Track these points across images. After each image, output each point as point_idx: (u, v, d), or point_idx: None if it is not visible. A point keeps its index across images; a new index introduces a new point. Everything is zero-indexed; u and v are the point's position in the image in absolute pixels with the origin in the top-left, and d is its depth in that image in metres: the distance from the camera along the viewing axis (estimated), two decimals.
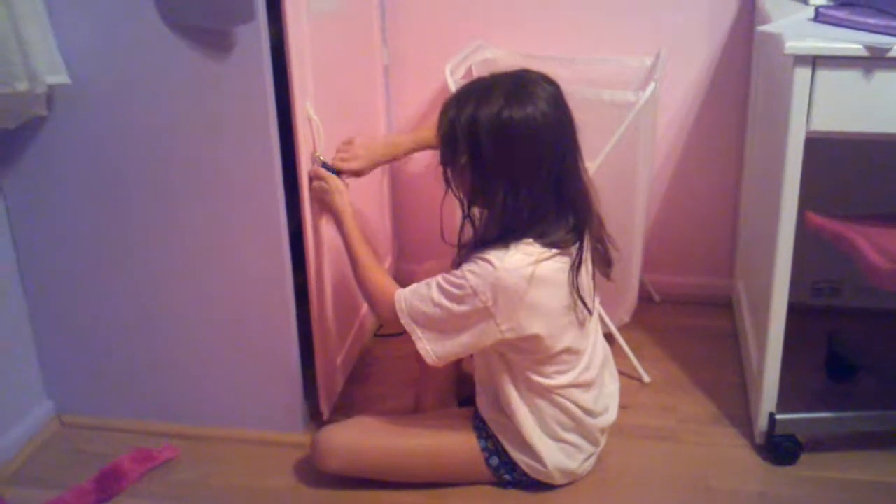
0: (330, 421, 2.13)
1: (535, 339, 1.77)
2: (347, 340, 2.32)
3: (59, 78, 1.86)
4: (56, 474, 2.06)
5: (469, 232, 1.84)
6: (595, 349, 1.94)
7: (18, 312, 2.12)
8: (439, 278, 1.78)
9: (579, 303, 1.80)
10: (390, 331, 1.87)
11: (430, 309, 1.78)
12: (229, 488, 2.01)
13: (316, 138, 1.95)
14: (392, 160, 2.15)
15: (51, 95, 1.91)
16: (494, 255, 1.72)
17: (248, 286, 2.01)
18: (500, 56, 2.52)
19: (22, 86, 1.78)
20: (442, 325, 1.78)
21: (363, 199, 2.36)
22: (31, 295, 2.12)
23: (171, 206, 1.98)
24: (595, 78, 2.49)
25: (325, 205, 1.98)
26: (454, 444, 1.94)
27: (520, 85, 1.71)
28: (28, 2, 1.78)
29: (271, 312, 2.03)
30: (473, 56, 2.43)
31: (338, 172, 1.98)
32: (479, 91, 1.73)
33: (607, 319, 2.34)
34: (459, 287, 1.74)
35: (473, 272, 1.73)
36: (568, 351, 1.84)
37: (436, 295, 1.77)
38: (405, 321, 1.81)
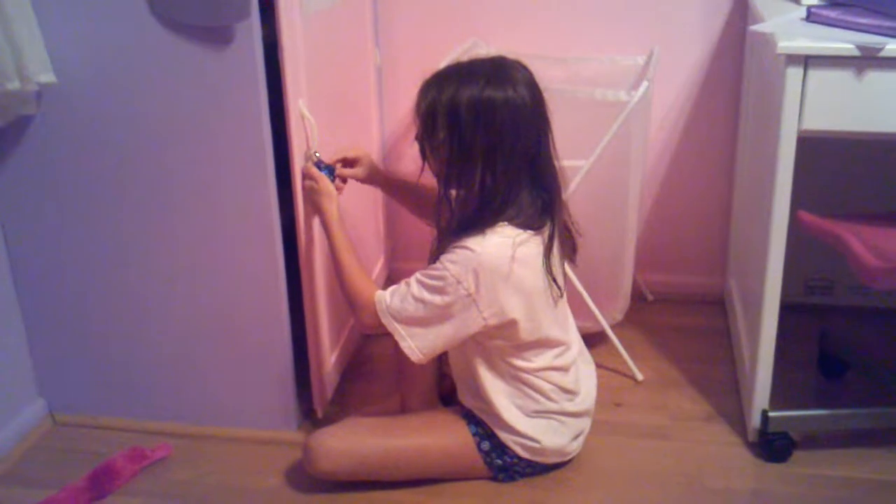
0: (324, 419, 2.13)
1: (514, 325, 1.81)
2: (341, 338, 2.32)
3: (47, 77, 1.85)
4: (49, 473, 2.06)
5: (445, 214, 1.87)
6: (569, 336, 1.97)
7: (10, 311, 2.12)
8: (417, 275, 1.82)
9: (552, 283, 1.84)
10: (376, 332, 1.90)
11: (412, 305, 1.80)
12: (223, 487, 2.01)
13: (310, 137, 1.95)
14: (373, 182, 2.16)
15: (41, 93, 1.90)
16: (472, 242, 1.76)
17: (241, 284, 2.01)
18: (492, 54, 2.52)
19: (13, 84, 1.78)
20: (425, 320, 1.80)
21: (356, 199, 2.36)
22: (23, 293, 2.12)
23: (163, 204, 1.97)
24: (588, 77, 2.49)
25: (313, 205, 1.98)
26: (446, 433, 1.96)
27: (499, 68, 1.78)
28: (16, 1, 1.78)
29: (264, 310, 2.03)
30: (466, 55, 2.42)
31: (333, 172, 1.98)
32: (459, 73, 1.79)
33: (600, 318, 2.34)
34: (440, 278, 1.77)
35: (453, 261, 1.76)
36: (546, 342, 1.88)
37: (416, 290, 1.80)
38: (387, 321, 1.83)
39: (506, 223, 1.78)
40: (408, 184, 2.14)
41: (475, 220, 1.79)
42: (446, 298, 1.77)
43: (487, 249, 1.75)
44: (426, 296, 1.79)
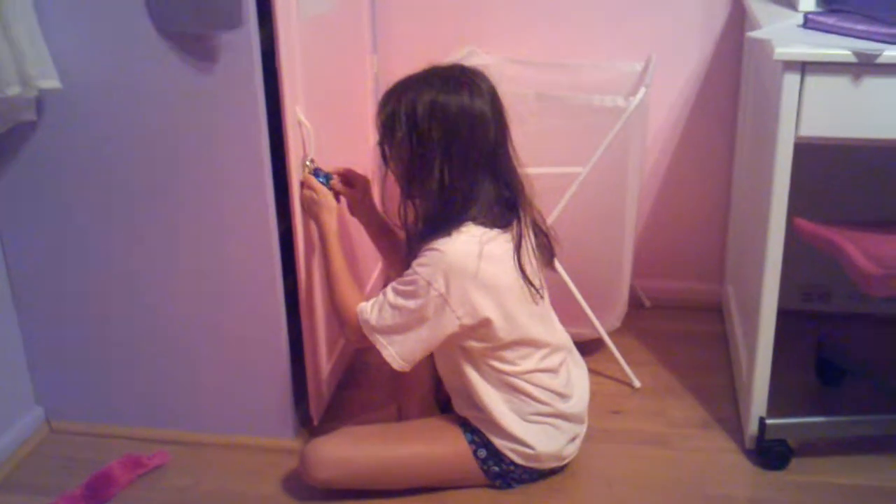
0: (321, 427, 2.13)
1: (489, 324, 1.82)
2: (338, 346, 2.32)
3: (51, 83, 1.85)
4: (46, 481, 2.05)
5: (411, 215, 1.90)
6: (555, 337, 1.98)
7: (8, 318, 2.11)
8: (393, 283, 1.85)
9: (526, 283, 1.86)
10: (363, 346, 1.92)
11: (389, 313, 1.83)
12: (219, 494, 2.01)
13: (306, 143, 1.95)
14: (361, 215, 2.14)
15: (40, 100, 1.90)
16: (440, 243, 1.79)
17: (239, 291, 2.01)
18: (491, 63, 2.52)
19: (13, 90, 1.78)
20: (401, 326, 1.83)
21: None
22: (21, 301, 2.12)
23: (161, 210, 1.97)
24: (585, 83, 2.50)
25: (311, 217, 1.98)
26: (442, 442, 1.96)
27: (455, 75, 1.83)
28: (18, 6, 1.77)
29: (262, 318, 2.03)
30: (463, 63, 2.43)
31: (329, 179, 1.99)
32: (418, 80, 1.83)
33: (597, 324, 2.34)
34: (412, 283, 1.80)
35: (422, 264, 1.80)
36: (528, 342, 1.89)
37: (391, 298, 1.83)
38: (367, 331, 1.86)
39: (470, 223, 1.81)
40: (390, 229, 2.15)
41: (440, 221, 1.82)
42: (419, 301, 1.79)
43: (454, 248, 1.78)
44: (400, 302, 1.82)
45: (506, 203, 1.85)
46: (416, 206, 1.88)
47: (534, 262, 1.91)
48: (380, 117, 1.85)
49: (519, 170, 1.88)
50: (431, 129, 1.78)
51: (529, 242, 1.90)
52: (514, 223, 1.86)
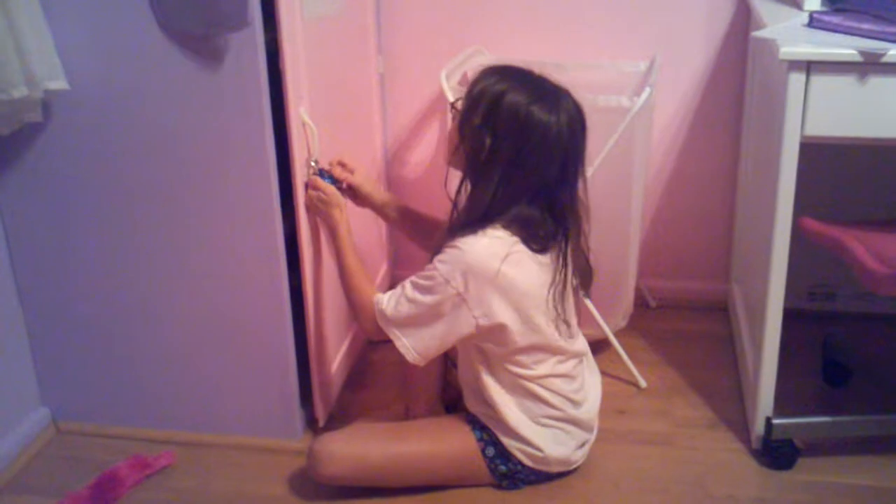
0: (326, 428, 2.13)
1: (504, 328, 1.81)
2: (344, 346, 2.32)
3: (58, 83, 1.85)
4: (52, 482, 2.06)
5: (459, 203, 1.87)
6: (574, 345, 1.96)
7: (14, 318, 2.12)
8: (412, 277, 1.85)
9: (558, 317, 1.85)
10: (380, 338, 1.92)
11: (405, 306, 1.83)
12: (226, 495, 2.01)
13: (311, 144, 1.96)
14: (370, 200, 2.14)
15: (45, 101, 1.91)
16: (462, 242, 1.78)
17: (244, 291, 2.01)
18: (496, 62, 2.51)
19: (19, 92, 1.78)
20: (417, 320, 1.82)
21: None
22: (27, 301, 2.12)
23: (167, 211, 1.97)
24: (590, 83, 2.48)
25: (321, 216, 1.99)
26: (451, 438, 1.96)
27: (554, 94, 1.80)
28: (26, 7, 1.78)
29: (267, 318, 2.03)
30: (469, 62, 2.43)
31: (334, 180, 1.99)
32: (519, 77, 1.81)
33: (603, 324, 2.34)
34: (430, 278, 1.80)
35: (443, 261, 1.79)
36: (546, 348, 1.88)
37: (409, 292, 1.83)
38: (383, 323, 1.86)
39: (499, 226, 1.79)
40: (407, 208, 2.14)
41: (474, 219, 1.80)
42: (436, 297, 1.79)
43: (476, 249, 1.77)
44: (417, 296, 1.82)
45: (546, 232, 1.82)
46: (468, 190, 1.85)
47: (568, 292, 1.89)
48: (471, 90, 1.81)
49: (578, 202, 1.85)
50: (505, 137, 1.75)
51: (566, 272, 1.87)
52: (552, 252, 1.83)
